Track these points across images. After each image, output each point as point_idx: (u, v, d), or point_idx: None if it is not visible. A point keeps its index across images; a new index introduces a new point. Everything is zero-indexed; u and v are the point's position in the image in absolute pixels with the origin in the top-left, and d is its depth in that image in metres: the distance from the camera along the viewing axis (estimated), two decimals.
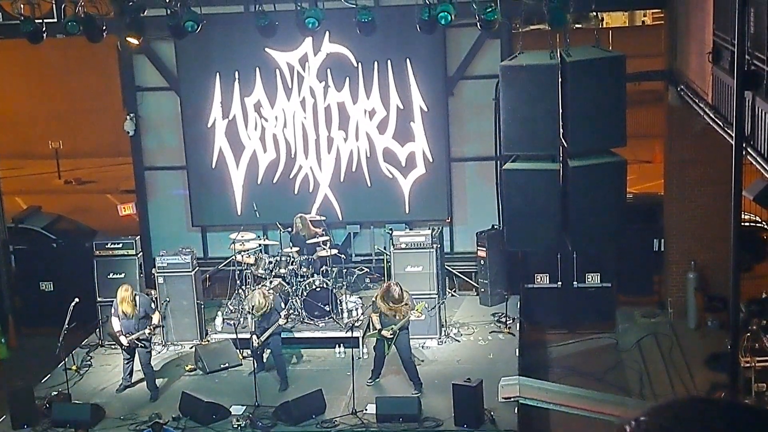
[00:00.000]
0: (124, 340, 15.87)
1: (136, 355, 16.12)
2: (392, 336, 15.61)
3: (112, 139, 26.59)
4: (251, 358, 16.33)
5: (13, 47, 24.56)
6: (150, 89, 20.88)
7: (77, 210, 26.78)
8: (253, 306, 16.09)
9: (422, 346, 17.44)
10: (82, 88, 32.73)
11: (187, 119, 20.52)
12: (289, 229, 19.03)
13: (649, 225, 20.44)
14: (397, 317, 15.56)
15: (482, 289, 19.54)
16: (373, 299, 16.20)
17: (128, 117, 20.86)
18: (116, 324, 15.94)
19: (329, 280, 17.94)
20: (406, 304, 15.58)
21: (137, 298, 15.97)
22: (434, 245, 17.83)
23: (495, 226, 19.52)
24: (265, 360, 16.66)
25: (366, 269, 20.26)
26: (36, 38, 17.54)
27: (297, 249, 18.33)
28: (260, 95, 20.21)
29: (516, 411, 14.93)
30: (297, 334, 17.60)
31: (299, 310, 17.82)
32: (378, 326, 15.70)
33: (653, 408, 1.48)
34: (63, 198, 29.56)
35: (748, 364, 15.17)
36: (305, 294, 17.82)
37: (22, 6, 17.78)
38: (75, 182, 32.39)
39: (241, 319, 17.59)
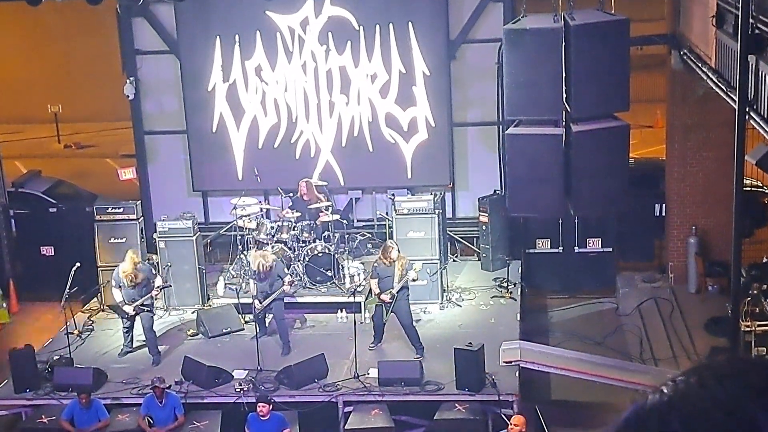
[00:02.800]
0: (128, 309, 15.85)
1: (137, 321, 16.12)
2: (391, 300, 15.63)
3: (112, 103, 26.44)
4: (253, 323, 16.36)
5: (11, 10, 24.46)
6: (149, 53, 20.76)
7: (77, 174, 26.73)
8: (253, 271, 16.11)
9: (424, 311, 17.48)
10: (82, 51, 32.54)
11: (187, 83, 20.43)
12: (291, 194, 19.01)
13: (650, 190, 20.42)
14: (396, 278, 15.57)
15: (484, 254, 19.55)
16: (374, 264, 16.22)
17: (128, 81, 20.76)
18: (117, 295, 15.92)
19: (331, 246, 17.94)
20: (401, 261, 15.62)
21: (138, 266, 15.94)
22: (436, 210, 17.83)
23: (497, 191, 19.50)
24: (267, 325, 16.69)
25: (368, 234, 20.26)
26: (35, 0, 17.44)
27: (299, 214, 18.31)
28: (261, 59, 20.11)
29: (517, 375, 14.99)
30: (299, 299, 17.64)
31: (301, 275, 17.83)
32: (377, 291, 15.74)
33: (692, 368, 1.50)
34: (62, 162, 29.52)
35: (748, 329, 15.24)
36: (307, 259, 17.83)
37: None
38: (74, 146, 32.30)
39: (243, 284, 17.61)
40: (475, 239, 20.15)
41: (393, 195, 18.95)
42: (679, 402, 1.43)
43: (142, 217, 18.59)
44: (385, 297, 15.65)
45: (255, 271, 16.04)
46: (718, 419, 1.36)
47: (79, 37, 32.13)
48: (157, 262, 17.73)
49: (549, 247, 19.69)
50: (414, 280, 15.94)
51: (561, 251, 19.64)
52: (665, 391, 1.47)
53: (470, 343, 14.77)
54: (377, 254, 16.46)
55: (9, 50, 33.45)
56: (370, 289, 16.39)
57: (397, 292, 15.64)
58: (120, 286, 15.85)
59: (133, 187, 22.32)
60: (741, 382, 1.41)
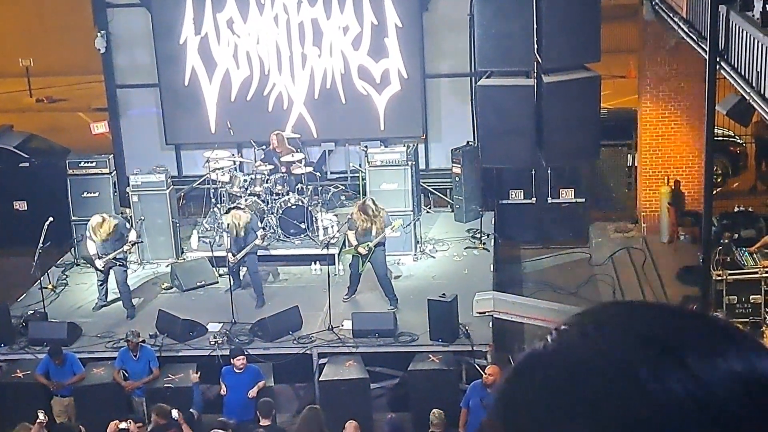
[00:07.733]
0: (99, 263, 15.82)
1: (111, 275, 16.10)
2: (367, 253, 15.68)
3: (84, 56, 26.22)
4: (227, 276, 16.39)
5: None
6: (120, 6, 20.56)
7: (49, 129, 26.51)
8: (227, 225, 16.15)
9: (398, 263, 17.53)
10: (53, 4, 32.19)
11: (159, 36, 20.26)
12: (264, 146, 18.96)
13: (622, 140, 20.49)
14: (373, 233, 15.62)
15: (457, 206, 19.60)
16: (349, 216, 16.25)
17: (99, 34, 20.57)
18: (92, 247, 15.87)
19: (304, 198, 17.93)
20: (380, 218, 15.65)
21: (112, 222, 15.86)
22: (409, 162, 17.84)
23: (470, 143, 19.50)
24: (241, 277, 16.72)
25: (341, 187, 20.26)
26: None
27: (272, 167, 18.27)
28: (232, 11, 19.94)
29: (490, 325, 15.09)
30: (273, 252, 17.66)
31: (275, 227, 17.84)
32: (354, 243, 15.78)
33: (575, 315, 1.39)
34: (34, 117, 29.27)
35: (719, 278, 15.40)
36: (281, 212, 17.83)
37: None
38: (46, 100, 32.01)
39: (217, 238, 17.60)
40: (448, 190, 20.18)
41: (366, 147, 18.93)
42: (563, 352, 1.33)
43: (115, 171, 18.51)
44: (362, 249, 15.69)
45: (228, 231, 16.10)
46: (599, 370, 1.26)
47: None
48: (130, 216, 17.69)
49: (522, 197, 19.75)
50: (393, 235, 16.01)
51: (534, 202, 19.70)
52: (550, 340, 1.37)
53: (444, 294, 14.83)
54: (352, 207, 16.45)
55: None
56: (345, 240, 16.42)
57: (374, 246, 15.69)
58: (94, 239, 15.80)
59: (106, 141, 22.17)
60: (621, 331, 1.32)
